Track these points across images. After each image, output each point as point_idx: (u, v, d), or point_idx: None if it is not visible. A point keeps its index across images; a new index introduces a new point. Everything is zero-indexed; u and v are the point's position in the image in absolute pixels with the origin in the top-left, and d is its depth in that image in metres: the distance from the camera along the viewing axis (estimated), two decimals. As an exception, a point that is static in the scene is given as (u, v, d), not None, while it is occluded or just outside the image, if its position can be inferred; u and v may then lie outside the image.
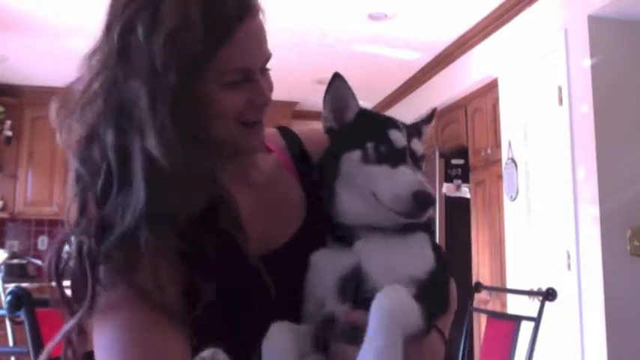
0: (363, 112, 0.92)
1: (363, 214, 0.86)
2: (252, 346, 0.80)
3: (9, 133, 5.07)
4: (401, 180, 0.83)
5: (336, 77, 0.90)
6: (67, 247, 0.80)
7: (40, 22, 3.75)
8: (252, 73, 0.85)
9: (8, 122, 5.08)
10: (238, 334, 0.82)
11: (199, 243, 0.79)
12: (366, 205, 0.85)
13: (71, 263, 0.78)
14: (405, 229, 0.86)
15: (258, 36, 0.85)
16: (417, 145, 0.89)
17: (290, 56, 4.32)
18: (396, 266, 0.82)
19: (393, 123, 0.90)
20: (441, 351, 0.86)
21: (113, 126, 0.77)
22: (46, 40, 3.59)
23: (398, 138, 0.87)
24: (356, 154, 0.86)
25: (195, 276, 0.78)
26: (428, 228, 0.90)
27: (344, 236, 0.87)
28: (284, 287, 0.85)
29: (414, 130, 0.92)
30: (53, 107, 0.82)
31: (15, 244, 5.23)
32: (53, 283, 0.80)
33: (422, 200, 0.81)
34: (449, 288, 0.92)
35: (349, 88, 0.91)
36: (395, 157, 0.85)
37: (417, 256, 0.85)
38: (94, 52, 0.81)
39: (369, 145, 0.86)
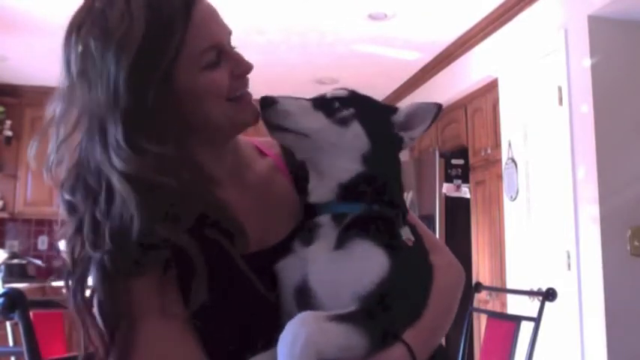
0: None
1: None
2: (247, 344, 0.80)
3: (9, 133, 5.05)
4: None
5: None
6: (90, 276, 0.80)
7: (40, 22, 3.75)
8: (224, 48, 0.87)
9: (8, 122, 5.07)
10: (232, 334, 0.83)
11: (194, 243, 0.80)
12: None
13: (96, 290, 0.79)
14: (346, 233, 0.84)
15: (214, 13, 0.88)
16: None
17: (290, 56, 4.30)
18: (338, 285, 0.81)
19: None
20: None
21: (93, 145, 0.80)
22: (46, 40, 3.58)
23: None
24: None
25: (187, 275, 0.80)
26: (374, 227, 0.85)
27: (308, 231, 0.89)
28: (272, 285, 0.87)
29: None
30: (32, 152, 0.86)
31: (15, 244, 5.22)
32: (72, 289, 0.81)
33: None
34: (420, 292, 0.88)
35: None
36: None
37: (360, 271, 0.81)
38: (64, 88, 0.82)
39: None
